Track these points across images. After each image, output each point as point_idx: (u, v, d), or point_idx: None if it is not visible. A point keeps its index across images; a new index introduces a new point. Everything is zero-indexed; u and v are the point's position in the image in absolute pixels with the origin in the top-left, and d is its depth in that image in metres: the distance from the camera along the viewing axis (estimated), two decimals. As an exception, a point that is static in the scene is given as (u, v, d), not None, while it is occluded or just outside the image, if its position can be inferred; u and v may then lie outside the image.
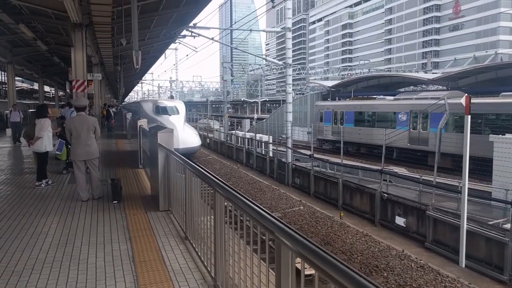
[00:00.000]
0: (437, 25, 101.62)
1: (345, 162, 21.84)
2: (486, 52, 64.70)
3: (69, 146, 9.83)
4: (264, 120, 40.56)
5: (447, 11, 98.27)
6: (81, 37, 12.53)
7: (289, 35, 18.79)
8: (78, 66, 12.47)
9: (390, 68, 78.98)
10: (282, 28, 19.55)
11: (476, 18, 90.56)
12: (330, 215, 12.85)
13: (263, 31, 28.81)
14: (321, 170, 19.60)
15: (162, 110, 20.84)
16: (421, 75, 30.28)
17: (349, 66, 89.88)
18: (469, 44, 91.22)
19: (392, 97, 24.89)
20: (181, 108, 21.91)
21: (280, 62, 22.07)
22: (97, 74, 15.55)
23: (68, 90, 28.70)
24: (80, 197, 7.24)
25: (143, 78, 60.46)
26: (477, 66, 26.66)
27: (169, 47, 31.83)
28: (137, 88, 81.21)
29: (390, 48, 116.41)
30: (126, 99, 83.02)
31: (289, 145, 19.74)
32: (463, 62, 67.64)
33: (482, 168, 15.27)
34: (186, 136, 19.04)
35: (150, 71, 61.84)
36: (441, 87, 29.94)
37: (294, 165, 19.10)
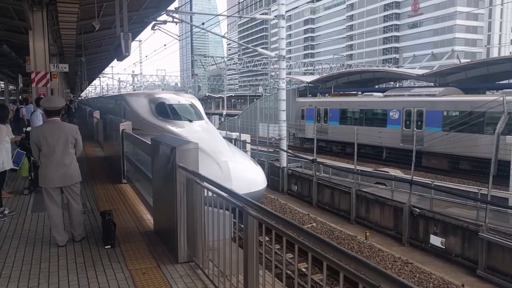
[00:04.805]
0: (397, 22, 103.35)
1: (334, 163, 20.32)
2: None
3: (32, 159, 7.53)
4: (236, 116, 38.49)
5: (406, 9, 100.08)
6: (42, 19, 10.08)
7: (283, 23, 16.82)
8: (38, 54, 10.00)
9: (351, 64, 78.98)
10: (275, 16, 17.60)
11: (434, 16, 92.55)
12: (351, 234, 11.08)
13: (254, 18, 26.70)
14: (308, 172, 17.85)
15: (172, 112, 12.19)
16: (409, 70, 29.32)
17: (313, 61, 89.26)
18: (427, 41, 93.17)
19: (381, 94, 23.61)
20: (200, 108, 13.27)
21: (273, 54, 20.07)
22: (63, 65, 12.85)
23: (20, 84, 25.30)
24: (56, 240, 5.01)
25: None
26: (469, 62, 25.94)
27: (134, 39, 29.23)
28: (95, 82, 76.56)
29: (352, 44, 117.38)
30: (83, 94, 78.23)
31: (284, 147, 17.79)
32: (421, 59, 68.67)
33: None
34: (243, 172, 9.48)
35: (111, 64, 57.86)
36: (425, 83, 29.09)
37: (290, 170, 17.20)
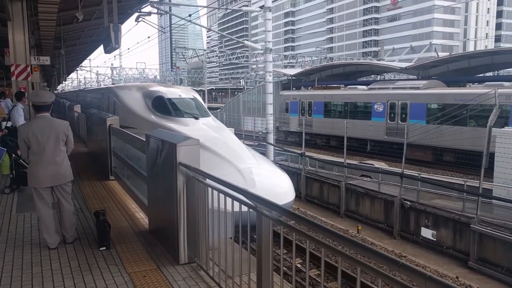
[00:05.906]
0: (376, 15, 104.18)
1: (319, 156, 20.34)
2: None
3: (14, 156, 7.20)
4: (218, 110, 38.17)
5: (385, 2, 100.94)
6: (21, 9, 9.63)
7: (269, 15, 16.65)
8: (18, 47, 9.55)
9: (332, 57, 79.37)
10: (260, 7, 17.37)
11: (412, 10, 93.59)
12: (342, 228, 11.07)
13: (241, 10, 26.34)
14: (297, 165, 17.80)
15: (173, 108, 10.62)
16: (392, 63, 29.58)
17: (294, 54, 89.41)
18: (406, 35, 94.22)
19: (365, 87, 23.70)
20: (202, 102, 11.97)
21: (259, 47, 19.83)
22: (44, 57, 12.28)
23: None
24: (46, 242, 4.75)
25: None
26: (451, 55, 26.27)
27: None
28: (72, 75, 74.73)
29: (332, 37, 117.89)
30: (59, 87, 76.33)
31: (271, 141, 17.64)
32: (400, 52, 69.54)
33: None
34: (270, 180, 8.16)
35: (89, 57, 56.44)
36: (405, 75, 29.38)
37: (278, 164, 17.09)
